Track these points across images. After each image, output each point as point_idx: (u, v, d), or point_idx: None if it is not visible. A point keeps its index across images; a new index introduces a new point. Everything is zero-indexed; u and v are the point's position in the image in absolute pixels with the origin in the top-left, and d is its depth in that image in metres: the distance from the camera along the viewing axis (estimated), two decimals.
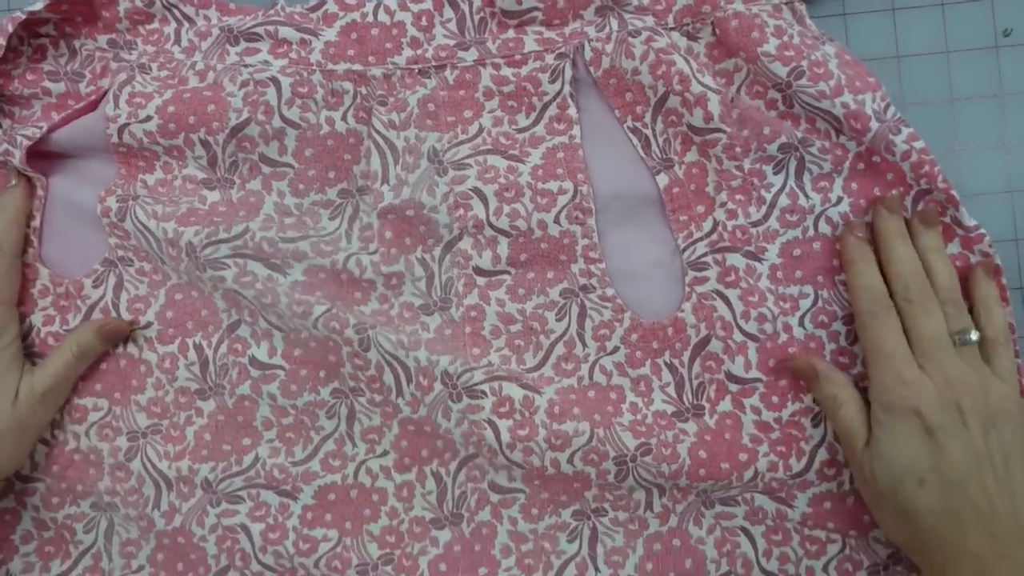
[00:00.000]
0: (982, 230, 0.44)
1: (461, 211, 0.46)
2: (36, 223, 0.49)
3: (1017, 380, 0.42)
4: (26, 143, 0.48)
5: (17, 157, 0.48)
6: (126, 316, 0.48)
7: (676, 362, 0.46)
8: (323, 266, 0.47)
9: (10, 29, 0.47)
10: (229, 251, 0.46)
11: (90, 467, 0.48)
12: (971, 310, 0.43)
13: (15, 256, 0.47)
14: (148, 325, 0.48)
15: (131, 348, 0.48)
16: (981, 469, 0.39)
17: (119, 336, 0.48)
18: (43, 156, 0.49)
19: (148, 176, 0.48)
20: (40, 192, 0.49)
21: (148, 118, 0.47)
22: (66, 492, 0.48)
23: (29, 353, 0.49)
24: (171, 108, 0.47)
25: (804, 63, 0.44)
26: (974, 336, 0.42)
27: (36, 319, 0.49)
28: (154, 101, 0.47)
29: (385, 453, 0.47)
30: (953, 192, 0.44)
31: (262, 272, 0.46)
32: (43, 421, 0.47)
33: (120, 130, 0.47)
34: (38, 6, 0.47)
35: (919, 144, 0.44)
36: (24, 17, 0.47)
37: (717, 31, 0.45)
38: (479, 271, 0.47)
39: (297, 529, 0.47)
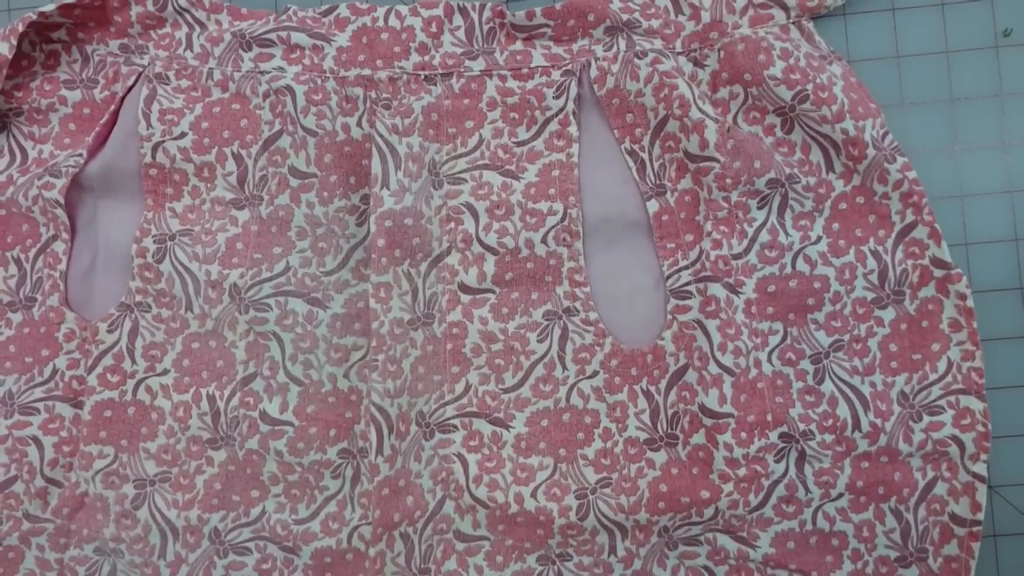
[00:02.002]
0: (959, 270, 0.42)
1: (452, 224, 0.45)
2: (63, 267, 0.46)
3: None
4: (72, 171, 0.46)
5: (58, 187, 0.46)
6: (141, 363, 0.46)
7: (653, 389, 0.44)
8: (364, 291, 0.45)
9: (20, 29, 0.45)
10: (271, 289, 0.45)
11: (97, 512, 0.46)
12: None
13: None
14: (165, 372, 0.46)
15: (142, 395, 0.46)
16: None
17: None
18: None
19: (176, 204, 0.46)
20: (65, 236, 0.46)
21: (183, 135, 0.46)
22: (72, 534, 0.46)
23: (51, 397, 0.46)
24: (204, 124, 0.46)
25: (809, 87, 0.43)
26: None
27: (61, 363, 0.46)
28: (186, 118, 0.46)
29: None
30: (937, 226, 0.43)
31: (302, 309, 0.45)
32: None
33: (154, 149, 0.46)
34: (49, 7, 0.45)
35: (912, 174, 0.43)
36: (35, 17, 0.45)
37: (722, 54, 0.44)
38: (464, 288, 0.45)
39: None
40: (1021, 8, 0.45)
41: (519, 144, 0.45)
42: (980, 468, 0.42)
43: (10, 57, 0.45)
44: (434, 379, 0.45)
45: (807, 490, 0.43)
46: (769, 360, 0.44)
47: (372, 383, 0.44)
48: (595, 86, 0.45)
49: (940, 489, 0.43)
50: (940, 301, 0.43)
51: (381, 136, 0.45)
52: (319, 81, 0.45)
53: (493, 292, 0.45)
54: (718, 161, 0.43)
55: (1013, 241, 0.45)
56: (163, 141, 0.45)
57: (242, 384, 0.45)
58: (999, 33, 0.45)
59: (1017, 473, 0.45)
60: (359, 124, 0.46)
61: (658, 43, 0.44)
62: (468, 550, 0.45)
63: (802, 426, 0.43)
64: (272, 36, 0.46)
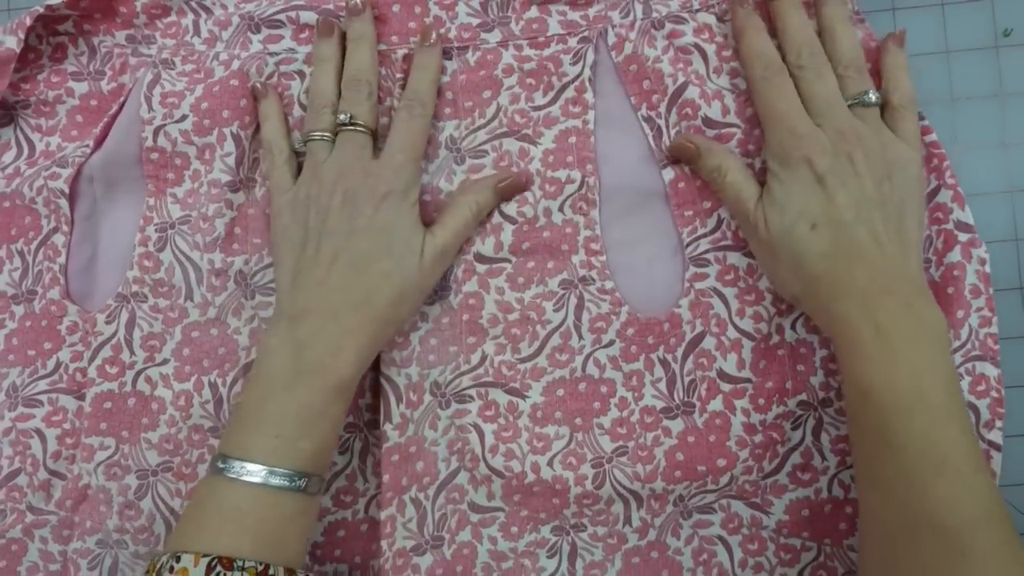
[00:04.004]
0: (977, 235, 0.41)
1: None
2: (62, 259, 0.45)
3: (920, 145, 0.40)
4: (79, 162, 0.44)
5: (63, 177, 0.44)
6: (140, 353, 0.44)
7: (669, 357, 0.42)
8: None
9: (28, 23, 0.43)
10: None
11: (100, 504, 0.44)
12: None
13: (432, 112, 0.43)
14: (165, 362, 0.44)
15: (142, 386, 0.44)
16: (870, 214, 0.37)
17: (516, 192, 0.43)
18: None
19: (177, 189, 0.45)
20: (65, 228, 0.45)
21: (183, 117, 0.44)
22: (76, 527, 0.44)
23: (55, 389, 0.45)
24: (204, 104, 0.44)
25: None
26: (873, 97, 0.39)
27: (64, 355, 0.45)
28: (187, 99, 0.44)
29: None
30: (960, 189, 0.41)
31: None
32: (437, 278, 0.42)
33: (156, 132, 0.44)
34: (56, 0, 0.44)
35: (929, 138, 0.41)
36: (42, 11, 0.43)
37: None
38: (480, 258, 0.43)
39: (307, 565, 0.43)
40: (1021, 8, 0.44)
41: (535, 108, 0.43)
42: (995, 436, 0.41)
43: (18, 51, 0.43)
44: (449, 350, 0.43)
45: (823, 458, 0.42)
46: (793, 327, 0.42)
47: (381, 354, 0.43)
48: (612, 52, 0.43)
49: None
50: (964, 267, 0.41)
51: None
52: None
53: (509, 262, 0.43)
54: (739, 127, 0.41)
55: (1013, 241, 0.44)
56: (164, 124, 0.44)
57: (244, 370, 0.44)
58: (999, 33, 0.45)
59: (1018, 473, 0.44)
60: None
61: (675, 4, 0.42)
62: (482, 521, 0.43)
63: (822, 394, 0.42)
64: (281, 17, 0.44)
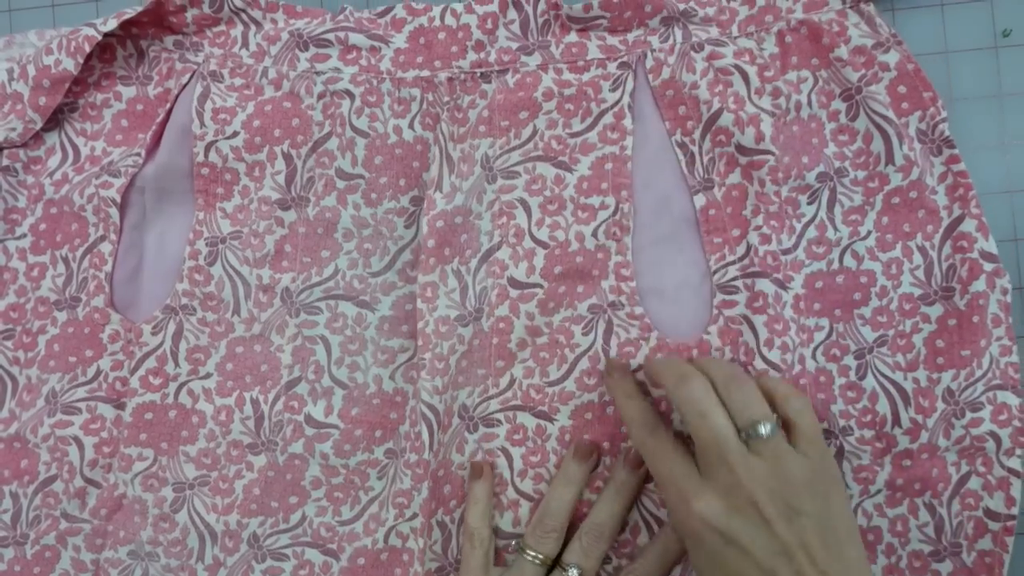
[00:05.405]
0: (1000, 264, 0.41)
1: (504, 219, 0.43)
2: (108, 268, 0.45)
3: (823, 447, 0.36)
4: (132, 171, 0.45)
5: (116, 187, 0.44)
6: (184, 366, 0.44)
7: None
8: (411, 293, 0.44)
9: (87, 48, 0.44)
10: (321, 293, 0.44)
11: (135, 515, 0.44)
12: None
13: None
14: (208, 376, 0.45)
15: (184, 398, 0.44)
16: (792, 561, 0.33)
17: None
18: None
19: (226, 204, 0.45)
20: (113, 237, 0.45)
21: (235, 134, 0.44)
22: (109, 535, 0.44)
23: (94, 397, 0.45)
24: (256, 122, 0.44)
25: (875, 68, 0.41)
26: (764, 429, 0.35)
27: (105, 363, 0.45)
28: (239, 116, 0.44)
29: (415, 516, 0.43)
30: (984, 220, 0.41)
31: (351, 312, 0.44)
32: None
33: (207, 148, 0.44)
34: (112, 24, 0.44)
35: (957, 167, 0.41)
36: (100, 38, 0.44)
37: (788, 39, 0.42)
38: (513, 282, 0.43)
39: None
40: (1021, 8, 0.44)
41: (573, 135, 0.43)
42: (1014, 463, 0.40)
43: (75, 74, 0.44)
44: (478, 372, 0.43)
45: (845, 486, 0.41)
46: (813, 356, 0.41)
47: (421, 382, 0.42)
48: (650, 76, 0.43)
49: (974, 484, 0.41)
50: (988, 296, 0.41)
51: (444, 138, 0.44)
52: (375, 82, 0.44)
53: (541, 287, 0.43)
54: (773, 154, 0.41)
55: (1013, 241, 0.44)
56: (216, 140, 0.44)
57: (286, 388, 0.44)
58: (999, 33, 0.45)
59: None
60: (411, 126, 0.44)
61: (714, 31, 0.43)
62: (508, 547, 0.43)
63: (842, 422, 0.41)
64: (330, 36, 0.44)
